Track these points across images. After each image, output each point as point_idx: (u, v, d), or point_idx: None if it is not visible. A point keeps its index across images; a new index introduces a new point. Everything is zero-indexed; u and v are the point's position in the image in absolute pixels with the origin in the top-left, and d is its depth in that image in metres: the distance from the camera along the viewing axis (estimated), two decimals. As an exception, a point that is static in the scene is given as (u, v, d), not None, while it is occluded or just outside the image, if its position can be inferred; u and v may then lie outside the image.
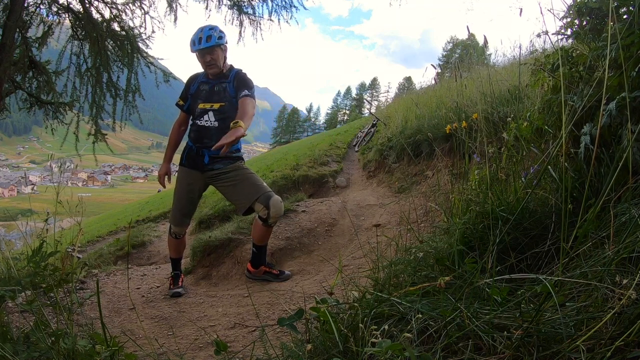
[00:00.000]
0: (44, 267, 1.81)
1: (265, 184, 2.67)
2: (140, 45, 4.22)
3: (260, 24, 4.51)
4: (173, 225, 2.79)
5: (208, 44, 2.52)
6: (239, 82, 2.59)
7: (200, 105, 2.63)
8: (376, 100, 55.46)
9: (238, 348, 1.69)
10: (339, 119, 58.06)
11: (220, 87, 2.63)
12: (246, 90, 2.51)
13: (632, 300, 0.72)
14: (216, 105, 2.61)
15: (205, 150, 2.61)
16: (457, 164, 2.96)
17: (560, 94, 1.21)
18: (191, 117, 2.74)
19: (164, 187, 2.87)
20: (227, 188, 2.65)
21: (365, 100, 53.04)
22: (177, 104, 2.80)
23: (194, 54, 2.60)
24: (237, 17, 4.45)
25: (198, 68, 2.71)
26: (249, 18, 4.49)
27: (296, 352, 1.01)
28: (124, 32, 4.13)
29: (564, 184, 1.16)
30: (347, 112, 58.33)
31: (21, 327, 1.41)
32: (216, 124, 2.59)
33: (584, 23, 1.65)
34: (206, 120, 2.61)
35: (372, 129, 8.38)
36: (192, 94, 2.70)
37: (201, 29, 2.54)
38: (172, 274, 2.88)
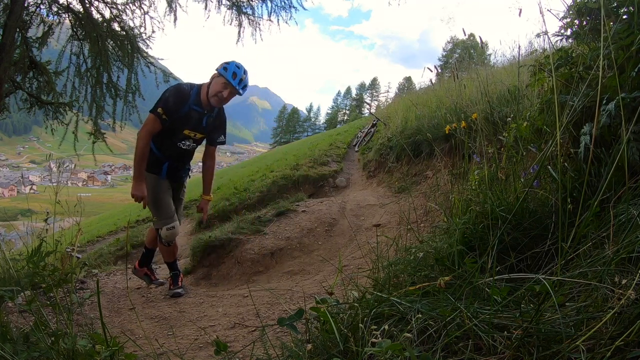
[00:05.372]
0: (43, 267, 1.81)
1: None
2: (141, 45, 4.23)
3: (259, 24, 4.52)
4: (171, 227, 2.67)
5: (241, 90, 2.56)
6: (220, 123, 2.77)
7: (186, 132, 2.62)
8: (376, 100, 55.55)
9: (238, 348, 1.69)
10: (339, 119, 58.10)
11: (206, 121, 2.67)
12: (222, 137, 2.81)
13: (631, 300, 0.72)
14: (199, 136, 2.71)
15: (185, 170, 2.85)
16: (457, 164, 2.96)
17: (554, 95, 1.21)
18: (164, 134, 2.58)
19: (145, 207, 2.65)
20: (178, 197, 2.87)
21: (365, 102, 53.07)
22: (158, 114, 2.49)
23: (220, 77, 2.50)
24: (236, 18, 4.46)
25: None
26: (248, 18, 4.49)
27: (296, 352, 1.01)
28: (124, 32, 4.13)
29: (562, 183, 1.16)
30: (347, 112, 58.36)
31: (21, 327, 1.41)
32: (193, 147, 2.77)
33: (584, 23, 1.65)
34: (187, 145, 2.70)
35: (372, 129, 8.38)
36: (182, 116, 2.55)
37: (245, 72, 2.54)
38: (171, 274, 2.88)
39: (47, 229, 2.38)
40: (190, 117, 2.59)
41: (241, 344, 1.75)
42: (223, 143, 2.84)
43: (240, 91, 2.55)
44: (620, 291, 0.74)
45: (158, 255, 4.88)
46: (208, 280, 3.31)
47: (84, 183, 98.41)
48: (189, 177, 2.96)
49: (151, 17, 4.27)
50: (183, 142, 2.66)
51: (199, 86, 2.61)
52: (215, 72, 2.55)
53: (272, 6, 4.46)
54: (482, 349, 0.81)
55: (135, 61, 4.22)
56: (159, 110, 2.49)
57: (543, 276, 0.79)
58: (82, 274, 3.02)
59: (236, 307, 2.37)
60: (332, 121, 57.96)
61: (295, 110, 70.84)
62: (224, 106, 2.73)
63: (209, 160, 2.88)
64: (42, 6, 3.88)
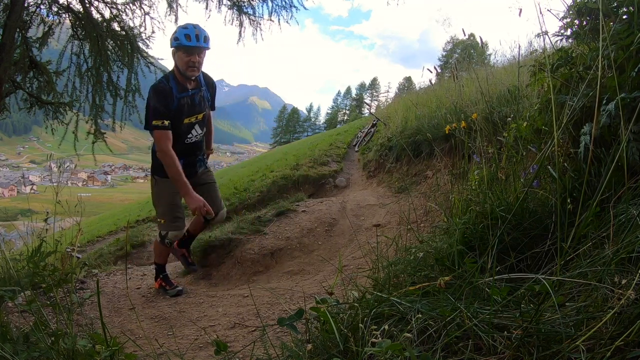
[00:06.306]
0: (43, 267, 1.81)
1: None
2: (140, 45, 4.23)
3: (260, 24, 4.52)
4: (175, 231, 2.69)
5: (205, 44, 2.43)
6: (213, 89, 2.75)
7: (186, 120, 2.54)
8: (376, 100, 55.58)
9: (238, 348, 1.69)
10: (339, 119, 58.12)
11: (199, 97, 2.58)
12: (214, 103, 2.80)
13: (631, 300, 0.72)
14: (200, 116, 2.62)
15: (199, 159, 2.78)
16: (457, 164, 2.96)
17: (552, 95, 1.22)
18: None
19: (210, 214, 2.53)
20: (203, 187, 2.75)
21: (365, 102, 53.10)
22: (160, 126, 2.40)
23: (178, 50, 2.40)
24: (237, 17, 4.46)
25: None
26: (249, 18, 4.49)
27: (296, 352, 1.01)
28: (124, 32, 4.14)
29: (562, 183, 1.16)
30: (347, 112, 58.40)
31: (21, 327, 1.41)
32: (202, 135, 2.71)
33: (584, 23, 1.65)
34: (194, 136, 2.63)
35: (372, 129, 8.38)
36: (175, 110, 2.48)
37: (194, 26, 2.40)
38: (161, 276, 2.84)
39: (47, 229, 2.38)
40: (182, 105, 2.50)
41: (241, 344, 1.75)
42: (214, 108, 2.87)
43: (205, 45, 2.42)
44: (620, 291, 0.74)
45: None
46: (208, 280, 3.31)
47: (84, 183, 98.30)
48: (207, 163, 2.90)
49: (151, 18, 4.28)
50: (189, 136, 2.59)
51: (172, 73, 2.52)
52: (172, 49, 2.46)
53: (273, 6, 4.46)
54: (482, 349, 0.81)
55: (135, 61, 4.22)
56: (155, 122, 2.41)
57: (543, 276, 0.79)
58: (82, 274, 3.02)
59: (236, 307, 2.37)
60: (332, 121, 57.95)
61: (295, 110, 70.87)
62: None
63: (207, 124, 2.83)
64: (42, 6, 3.89)
